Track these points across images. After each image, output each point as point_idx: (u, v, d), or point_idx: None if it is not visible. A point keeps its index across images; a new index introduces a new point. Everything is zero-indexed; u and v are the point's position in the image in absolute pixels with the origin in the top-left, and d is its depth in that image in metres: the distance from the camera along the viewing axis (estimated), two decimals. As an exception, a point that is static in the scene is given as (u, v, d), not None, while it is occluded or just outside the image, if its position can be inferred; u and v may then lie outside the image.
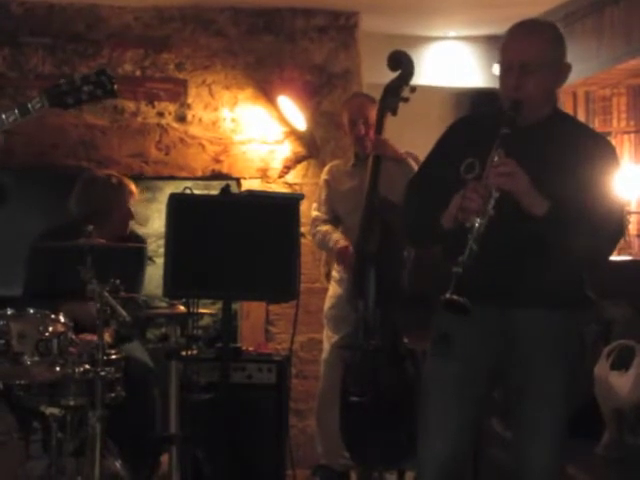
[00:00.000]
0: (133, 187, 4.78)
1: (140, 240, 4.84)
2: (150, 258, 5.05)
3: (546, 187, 2.90)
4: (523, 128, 2.98)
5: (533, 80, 2.97)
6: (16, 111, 3.07)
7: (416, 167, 4.74)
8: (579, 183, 2.93)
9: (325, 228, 5.10)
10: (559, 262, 2.96)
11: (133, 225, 4.92)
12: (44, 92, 3.10)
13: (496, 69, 3.14)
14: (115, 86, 3.15)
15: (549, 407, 3.02)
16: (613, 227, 2.99)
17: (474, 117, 3.42)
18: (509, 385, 3.10)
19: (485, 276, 2.86)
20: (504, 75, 3.03)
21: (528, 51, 2.98)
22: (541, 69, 2.97)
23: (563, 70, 3.07)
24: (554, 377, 3.02)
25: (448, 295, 2.82)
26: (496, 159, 2.89)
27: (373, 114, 4.94)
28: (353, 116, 5.02)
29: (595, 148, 3.04)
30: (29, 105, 3.08)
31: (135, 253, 4.66)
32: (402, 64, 4.74)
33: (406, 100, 4.75)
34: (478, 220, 2.84)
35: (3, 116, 3.06)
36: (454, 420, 3.07)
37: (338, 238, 5.00)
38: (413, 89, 4.74)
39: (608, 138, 3.39)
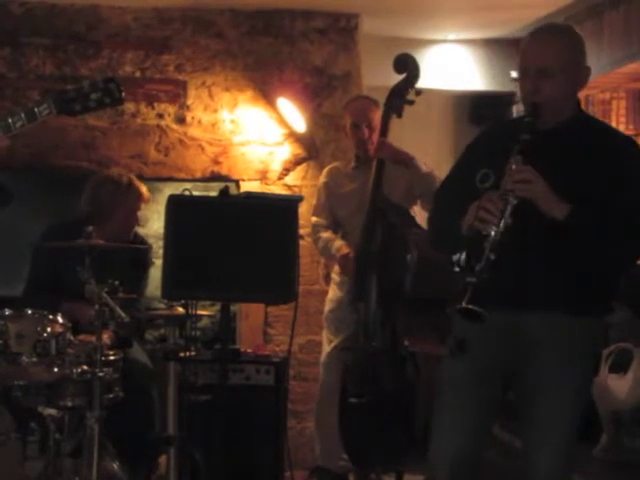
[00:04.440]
0: (144, 191, 4.77)
1: (145, 244, 4.85)
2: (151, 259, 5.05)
3: (568, 188, 2.90)
4: (544, 132, 2.99)
5: (550, 84, 2.99)
6: (23, 116, 3.06)
7: (422, 166, 4.77)
8: (602, 185, 2.93)
9: (327, 235, 5.09)
10: (575, 265, 2.95)
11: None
12: (52, 99, 3.08)
13: (515, 73, 3.15)
14: (123, 94, 3.15)
15: (559, 412, 3.02)
16: (634, 235, 2.96)
17: (498, 127, 3.44)
18: (521, 388, 3.10)
19: (499, 279, 2.86)
20: (522, 80, 3.06)
21: (545, 55, 3.00)
22: (558, 73, 2.99)
23: (582, 73, 3.07)
24: (565, 382, 3.01)
25: (464, 304, 2.83)
26: (514, 167, 2.90)
27: (376, 117, 4.94)
28: (356, 119, 5.00)
29: (619, 149, 3.04)
30: (36, 111, 3.07)
31: (137, 255, 4.66)
32: (408, 67, 4.75)
33: (411, 103, 4.76)
34: (494, 229, 2.85)
35: (10, 120, 3.05)
36: (468, 421, 3.09)
37: (340, 245, 4.99)
38: (418, 92, 4.76)
39: (634, 139, 3.38)
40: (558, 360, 3.02)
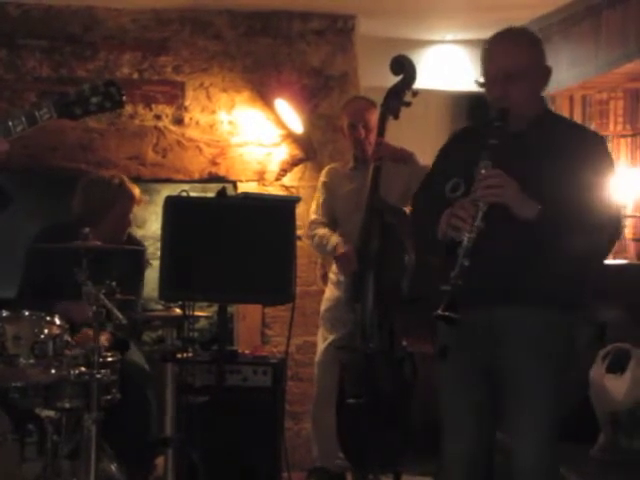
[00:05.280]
0: (137, 192, 4.77)
1: (139, 245, 4.85)
2: (147, 261, 5.05)
3: (538, 188, 2.95)
4: (512, 133, 3.04)
5: (517, 88, 3.05)
6: (23, 119, 3.05)
7: (421, 162, 4.78)
8: (571, 183, 2.97)
9: (322, 231, 5.08)
10: (545, 261, 2.99)
11: (131, 229, 4.92)
12: (52, 102, 3.08)
13: (480, 77, 3.19)
14: (124, 97, 3.15)
15: (535, 407, 3.05)
16: (608, 227, 3.02)
17: (469, 129, 3.47)
18: (498, 385, 3.12)
19: (473, 278, 2.91)
20: (489, 86, 3.13)
21: (508, 61, 3.06)
22: (523, 76, 3.06)
23: (545, 73, 3.15)
24: (538, 377, 3.04)
25: (440, 311, 2.91)
26: (483, 171, 2.96)
27: (373, 117, 4.95)
28: (353, 119, 5.02)
29: (586, 147, 3.09)
30: (37, 115, 3.06)
31: (133, 256, 4.66)
32: (405, 68, 4.75)
33: (408, 104, 4.76)
34: (467, 235, 2.91)
35: (10, 123, 3.04)
36: (466, 421, 3.15)
37: (337, 242, 4.97)
38: (415, 93, 4.76)
39: (601, 135, 3.44)
40: (526, 358, 3.05)
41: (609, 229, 3.03)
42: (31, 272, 4.63)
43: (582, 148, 3.06)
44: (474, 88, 3.26)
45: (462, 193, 3.03)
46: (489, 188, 2.94)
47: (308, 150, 5.94)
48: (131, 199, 4.74)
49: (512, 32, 3.18)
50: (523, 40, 3.13)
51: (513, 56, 3.06)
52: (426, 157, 5.05)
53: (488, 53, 3.12)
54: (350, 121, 5.03)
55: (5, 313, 3.89)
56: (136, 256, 4.71)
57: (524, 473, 3.06)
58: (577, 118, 5.92)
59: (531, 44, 3.13)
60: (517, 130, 3.07)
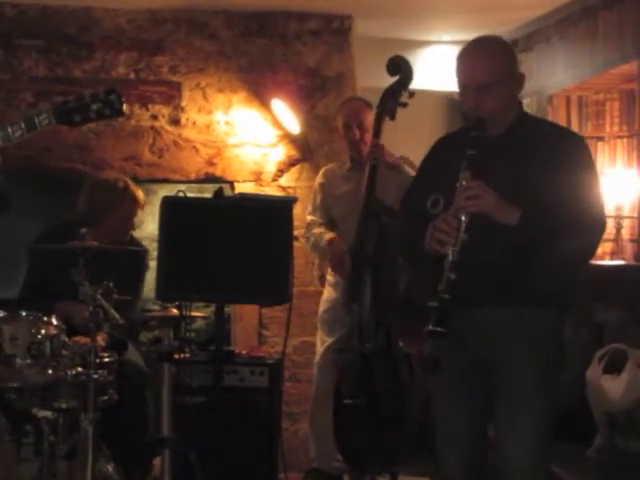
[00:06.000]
0: (141, 196, 4.77)
1: (141, 248, 4.84)
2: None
3: (521, 191, 2.97)
4: (490, 138, 3.07)
5: (491, 97, 3.07)
6: (22, 125, 3.05)
7: (411, 171, 4.78)
8: (553, 183, 2.99)
9: (319, 230, 5.08)
10: (534, 263, 3.00)
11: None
12: (52, 109, 3.08)
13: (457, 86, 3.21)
14: (124, 105, 3.14)
15: (525, 407, 3.06)
16: (596, 225, 3.04)
17: (451, 137, 3.48)
18: (492, 385, 3.12)
19: (462, 279, 2.94)
20: (463, 96, 3.14)
21: (480, 72, 3.07)
22: (496, 85, 3.07)
23: (518, 80, 3.17)
24: (528, 377, 3.06)
25: (431, 327, 2.94)
26: (463, 183, 2.98)
27: (368, 118, 4.95)
28: (348, 120, 5.02)
29: (566, 146, 3.10)
30: (36, 120, 3.06)
31: (133, 257, 4.65)
32: (401, 69, 4.75)
33: (404, 105, 4.77)
34: (451, 249, 2.94)
35: (9, 129, 3.04)
36: (461, 422, 3.16)
37: (330, 237, 4.98)
38: (412, 94, 4.76)
39: (580, 135, 3.45)
40: (515, 358, 3.06)
41: (597, 228, 3.05)
42: (33, 272, 4.63)
43: (562, 148, 3.08)
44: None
45: (441, 209, 3.06)
46: (468, 199, 2.96)
47: (305, 151, 5.94)
48: (135, 202, 4.73)
49: (481, 43, 3.17)
50: (492, 50, 3.13)
51: (483, 67, 3.07)
52: (422, 157, 5.07)
53: (461, 65, 3.13)
54: (345, 121, 5.04)
55: (2, 313, 3.88)
56: (136, 257, 4.71)
57: (519, 473, 3.06)
58: (573, 119, 5.92)
59: (501, 53, 3.13)
60: (495, 136, 3.09)
